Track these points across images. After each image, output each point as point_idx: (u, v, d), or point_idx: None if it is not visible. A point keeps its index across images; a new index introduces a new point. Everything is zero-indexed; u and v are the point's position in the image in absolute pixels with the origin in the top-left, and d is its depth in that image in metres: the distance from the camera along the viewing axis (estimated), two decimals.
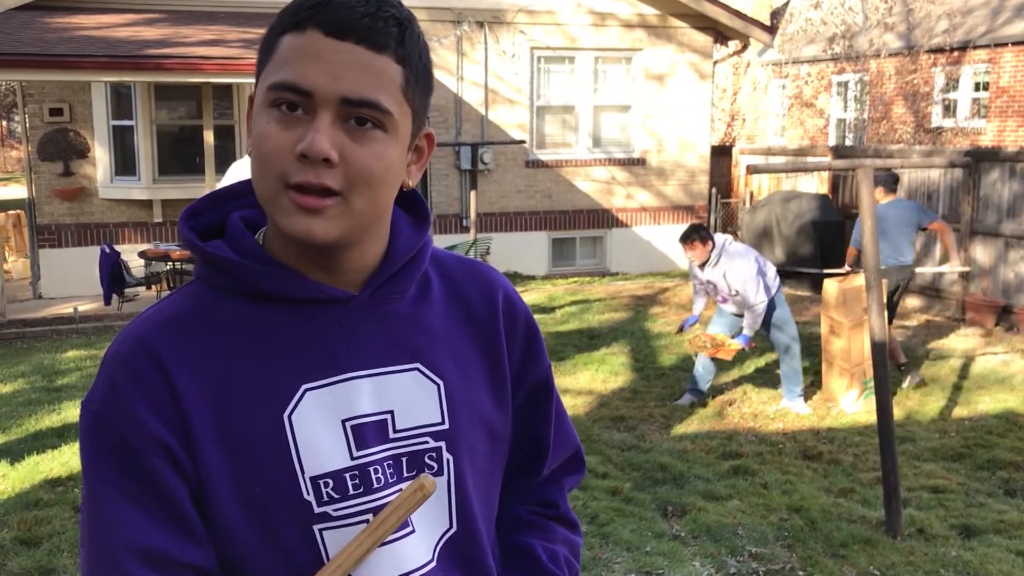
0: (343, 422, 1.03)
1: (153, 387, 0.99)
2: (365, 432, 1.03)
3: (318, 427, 1.02)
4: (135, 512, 0.98)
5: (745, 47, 13.66)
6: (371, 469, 1.03)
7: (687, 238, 6.13)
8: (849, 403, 6.44)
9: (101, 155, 10.59)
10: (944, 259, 7.94)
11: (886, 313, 5.32)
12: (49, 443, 5.59)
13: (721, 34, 12.78)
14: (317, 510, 1.01)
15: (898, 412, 6.13)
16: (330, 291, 1.04)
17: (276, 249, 1.04)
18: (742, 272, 6.03)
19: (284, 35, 0.98)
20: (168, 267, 9.66)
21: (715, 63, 13.53)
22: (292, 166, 0.96)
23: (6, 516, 4.54)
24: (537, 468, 1.24)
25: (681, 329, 6.81)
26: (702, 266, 6.15)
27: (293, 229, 0.97)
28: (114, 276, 9.60)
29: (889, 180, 6.95)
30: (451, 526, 1.09)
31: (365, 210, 0.99)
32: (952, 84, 15.93)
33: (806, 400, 6.63)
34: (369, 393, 1.04)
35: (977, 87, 15.65)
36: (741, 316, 6.29)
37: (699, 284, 6.44)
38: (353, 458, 1.03)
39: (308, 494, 1.01)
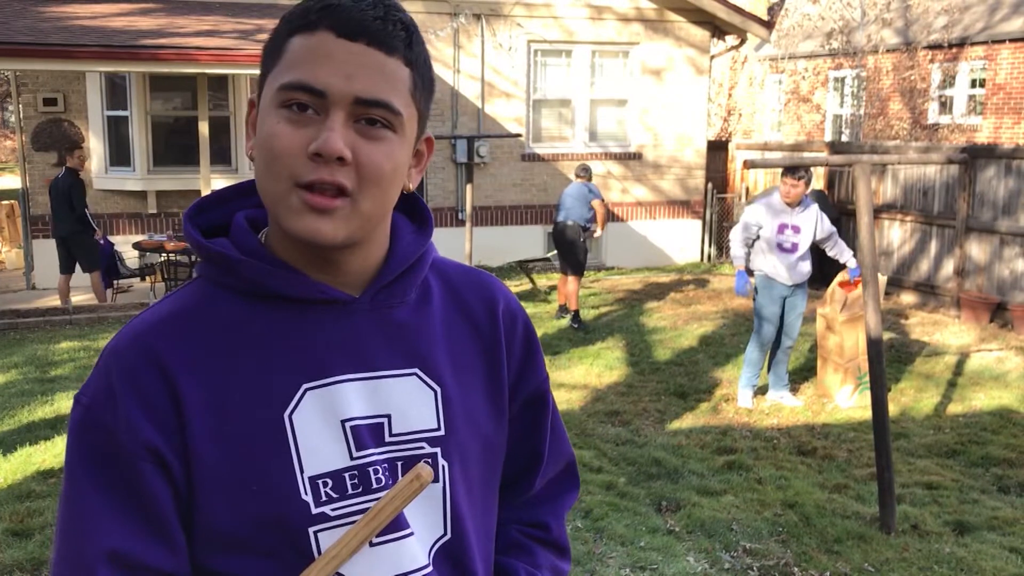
0: (343, 423, 1.02)
1: (148, 387, 0.98)
2: (362, 434, 1.03)
3: (319, 427, 1.01)
4: (111, 513, 0.98)
5: (742, 42, 13.64)
6: (370, 469, 1.03)
7: (799, 174, 6.07)
8: (844, 399, 6.45)
9: (96, 146, 10.55)
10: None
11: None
12: (42, 434, 5.58)
13: (718, 29, 12.76)
14: (314, 510, 1.00)
15: (893, 408, 6.13)
16: (332, 292, 1.03)
17: (278, 249, 1.04)
18: (824, 217, 6.32)
19: (293, 37, 0.98)
20: (162, 258, 9.63)
21: (712, 58, 13.51)
22: (304, 165, 0.96)
23: None
24: (531, 479, 1.23)
25: (741, 290, 6.42)
26: (792, 208, 6.18)
27: (300, 228, 0.97)
28: (108, 267, 9.57)
29: (583, 172, 8.85)
30: (445, 532, 1.08)
31: (372, 211, 1.00)
32: (949, 80, 15.93)
33: (797, 395, 6.67)
34: (367, 396, 1.04)
35: (974, 84, 15.65)
36: (793, 287, 6.27)
37: (756, 231, 6.28)
38: (353, 458, 1.02)
39: (306, 494, 1.00)
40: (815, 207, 6.28)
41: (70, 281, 9.26)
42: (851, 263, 6.35)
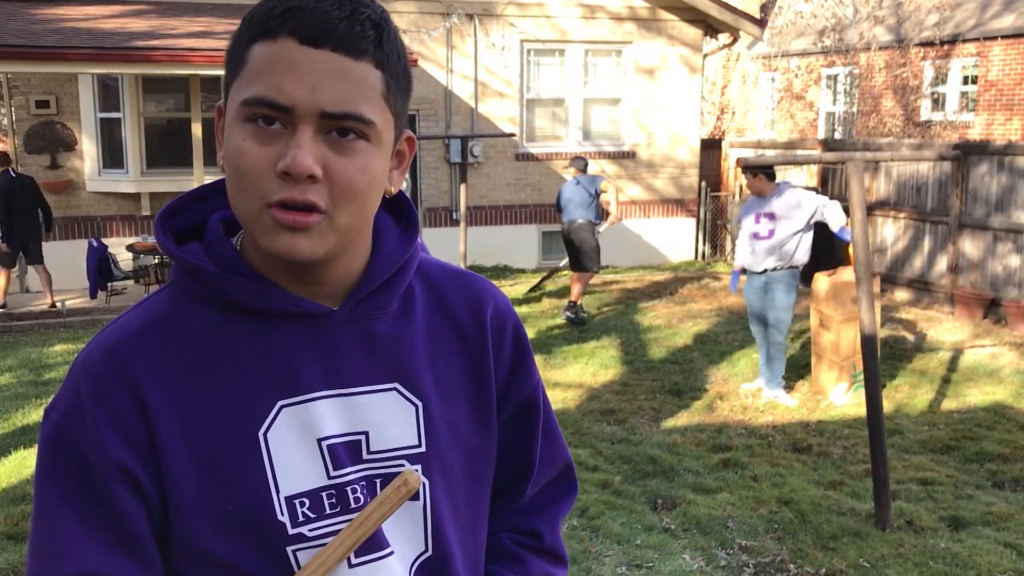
0: (319, 441, 0.99)
1: (119, 405, 0.95)
2: (339, 452, 1.00)
3: (294, 445, 0.98)
4: (84, 532, 0.95)
5: (735, 40, 13.66)
6: (348, 489, 1.00)
7: (755, 170, 6.14)
8: (838, 396, 6.46)
9: (88, 148, 10.52)
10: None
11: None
12: (36, 438, 5.55)
13: (711, 27, 12.77)
14: (291, 531, 0.98)
15: (887, 405, 6.15)
16: (309, 306, 1.00)
17: (254, 257, 1.00)
18: (806, 196, 6.34)
19: (254, 44, 0.93)
20: (156, 260, 9.61)
21: (705, 56, 13.53)
22: (273, 184, 0.91)
23: None
24: (522, 488, 1.19)
25: (732, 287, 6.92)
26: (765, 198, 6.26)
27: (276, 247, 0.93)
28: (101, 270, 9.55)
29: (582, 164, 8.88)
30: (427, 549, 1.06)
31: (349, 225, 0.95)
32: (941, 77, 15.95)
33: (792, 392, 6.69)
34: (344, 413, 1.01)
35: (966, 80, 15.68)
36: (763, 272, 6.32)
37: (749, 224, 6.41)
38: (330, 477, 0.99)
39: (282, 515, 0.97)
40: (793, 191, 6.34)
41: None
42: (834, 227, 6.29)
